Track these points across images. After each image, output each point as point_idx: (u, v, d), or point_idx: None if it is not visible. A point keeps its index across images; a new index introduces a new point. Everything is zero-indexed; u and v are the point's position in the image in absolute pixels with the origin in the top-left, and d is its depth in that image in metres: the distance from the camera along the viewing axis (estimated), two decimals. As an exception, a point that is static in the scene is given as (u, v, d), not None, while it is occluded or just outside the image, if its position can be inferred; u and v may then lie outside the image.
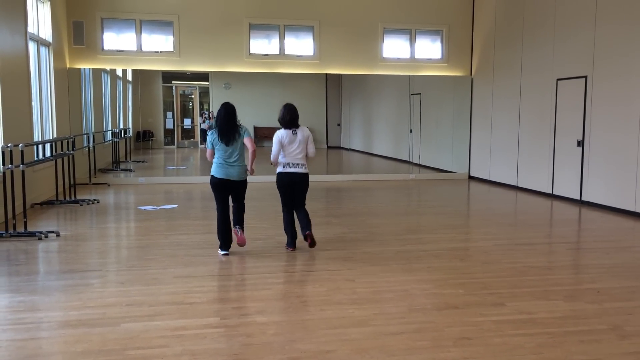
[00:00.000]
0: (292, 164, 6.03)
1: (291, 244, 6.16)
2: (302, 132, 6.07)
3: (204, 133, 17.31)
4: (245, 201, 6.19)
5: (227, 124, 5.86)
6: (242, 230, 6.08)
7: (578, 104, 9.56)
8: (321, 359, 3.43)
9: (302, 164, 6.07)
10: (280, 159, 6.07)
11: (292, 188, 6.09)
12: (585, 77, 9.38)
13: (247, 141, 5.91)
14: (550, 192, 10.35)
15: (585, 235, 7.47)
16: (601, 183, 9.09)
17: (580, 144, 9.52)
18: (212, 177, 5.97)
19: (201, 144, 17.52)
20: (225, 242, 5.98)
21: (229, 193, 6.04)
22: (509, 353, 3.53)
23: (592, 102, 9.26)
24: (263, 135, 14.13)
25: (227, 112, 5.88)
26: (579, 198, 9.60)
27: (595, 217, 8.50)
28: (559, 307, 4.39)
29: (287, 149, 6.02)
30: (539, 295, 4.67)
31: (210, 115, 16.47)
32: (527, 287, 4.89)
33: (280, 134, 6.05)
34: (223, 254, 5.94)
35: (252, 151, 5.92)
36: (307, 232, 6.05)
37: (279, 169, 6.09)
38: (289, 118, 6.03)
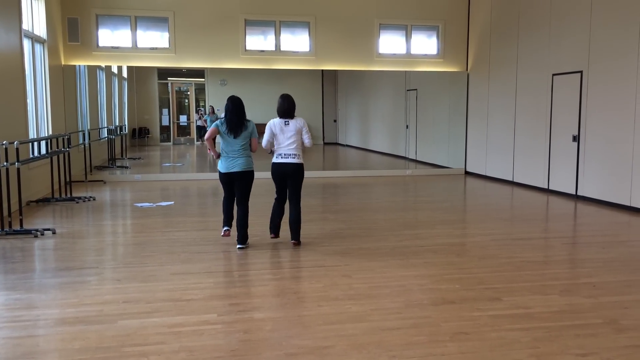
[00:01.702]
0: (285, 154, 6.04)
1: (273, 230, 6.27)
2: (296, 123, 6.06)
3: (200, 130, 17.29)
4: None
5: (236, 117, 5.98)
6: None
7: (574, 99, 9.57)
8: (318, 354, 3.43)
9: (295, 155, 6.04)
10: (275, 149, 6.11)
11: (284, 179, 6.11)
12: (581, 72, 9.39)
13: (253, 142, 6.12)
14: (546, 187, 10.37)
15: (581, 230, 7.49)
16: (597, 178, 9.12)
17: (576, 139, 9.54)
18: (219, 172, 6.11)
19: (197, 140, 17.49)
20: (227, 219, 6.17)
21: (234, 185, 6.12)
22: (505, 347, 3.54)
23: (587, 97, 9.28)
24: (260, 131, 14.08)
25: (235, 105, 5.99)
26: (574, 193, 9.63)
27: (591, 211, 8.52)
28: (556, 302, 4.40)
29: (278, 139, 6.06)
30: (535, 290, 4.68)
31: (209, 110, 16.43)
32: (523, 282, 4.90)
33: (273, 122, 6.11)
34: (225, 230, 6.13)
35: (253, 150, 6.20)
36: (293, 242, 6.13)
37: (273, 159, 6.13)
38: (285, 108, 6.07)
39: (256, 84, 14.31)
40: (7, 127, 7.98)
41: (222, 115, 6.20)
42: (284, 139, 6.03)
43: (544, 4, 10.33)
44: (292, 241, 6.15)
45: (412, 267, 5.39)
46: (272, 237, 6.32)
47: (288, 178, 6.09)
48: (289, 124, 6.05)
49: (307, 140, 6.10)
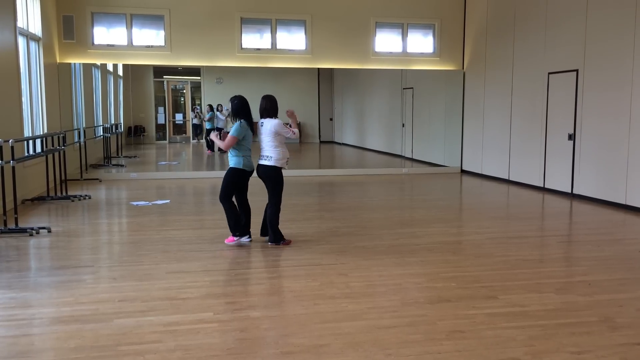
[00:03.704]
0: (261, 155, 6.09)
1: (261, 232, 6.28)
2: (269, 124, 6.01)
3: (196, 128, 17.27)
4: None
5: (250, 115, 6.08)
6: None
7: (569, 98, 9.60)
8: (315, 353, 3.43)
9: (267, 156, 6.02)
10: None
11: (262, 179, 6.14)
12: (577, 70, 9.42)
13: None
14: (542, 186, 10.40)
15: (576, 228, 7.51)
16: (592, 176, 9.14)
17: (572, 137, 9.56)
18: (244, 170, 6.02)
19: (193, 138, 17.46)
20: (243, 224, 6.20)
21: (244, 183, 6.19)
22: (501, 345, 3.55)
23: (583, 96, 9.30)
24: (255, 130, 14.09)
25: (246, 104, 6.06)
26: (570, 191, 9.65)
27: (587, 210, 8.55)
28: (551, 300, 4.42)
29: (259, 139, 6.12)
30: (530, 288, 4.70)
31: (206, 109, 16.41)
32: (519, 280, 4.92)
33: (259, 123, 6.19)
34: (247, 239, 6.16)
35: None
36: (269, 244, 6.13)
37: None
38: (262, 107, 6.10)
39: (252, 83, 14.28)
40: (1, 125, 7.94)
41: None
42: (261, 140, 6.10)
43: (540, 3, 10.34)
44: (268, 243, 6.17)
45: (408, 265, 5.39)
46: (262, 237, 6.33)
47: (263, 179, 6.13)
48: (263, 125, 6.05)
49: (288, 134, 5.95)
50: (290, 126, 6.08)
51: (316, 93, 16.86)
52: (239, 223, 6.08)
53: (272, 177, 6.04)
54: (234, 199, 6.14)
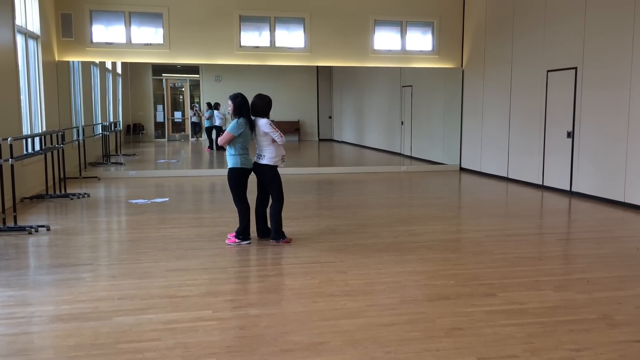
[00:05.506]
0: (256, 153, 6.12)
1: (257, 232, 6.25)
2: (259, 122, 6.02)
3: (195, 126, 17.27)
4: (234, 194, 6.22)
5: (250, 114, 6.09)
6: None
7: (568, 96, 9.60)
8: (314, 350, 3.44)
9: (258, 155, 6.08)
10: None
11: (257, 177, 6.15)
12: (575, 68, 9.42)
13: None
14: (541, 183, 10.41)
15: (575, 226, 7.52)
16: (591, 174, 9.15)
17: (570, 135, 9.57)
18: (243, 169, 5.99)
19: (192, 136, 17.46)
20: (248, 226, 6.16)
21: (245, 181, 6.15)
22: (500, 343, 3.55)
23: (582, 94, 9.31)
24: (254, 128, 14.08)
25: (246, 103, 6.04)
26: (569, 189, 9.66)
27: (585, 207, 8.56)
28: (550, 297, 4.42)
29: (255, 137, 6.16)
30: (529, 286, 4.70)
31: (205, 107, 16.41)
32: (518, 278, 4.92)
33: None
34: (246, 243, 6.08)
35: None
36: (272, 242, 6.11)
37: None
38: (253, 106, 6.09)
39: (251, 81, 14.29)
40: (0, 124, 7.93)
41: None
42: (255, 139, 6.11)
43: (539, 0, 10.34)
44: (270, 240, 6.14)
45: (407, 263, 5.40)
46: (257, 239, 6.28)
47: (259, 177, 6.14)
48: (256, 124, 6.05)
49: (275, 136, 5.96)
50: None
51: (315, 91, 16.86)
52: (247, 229, 6.08)
53: (266, 175, 6.07)
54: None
